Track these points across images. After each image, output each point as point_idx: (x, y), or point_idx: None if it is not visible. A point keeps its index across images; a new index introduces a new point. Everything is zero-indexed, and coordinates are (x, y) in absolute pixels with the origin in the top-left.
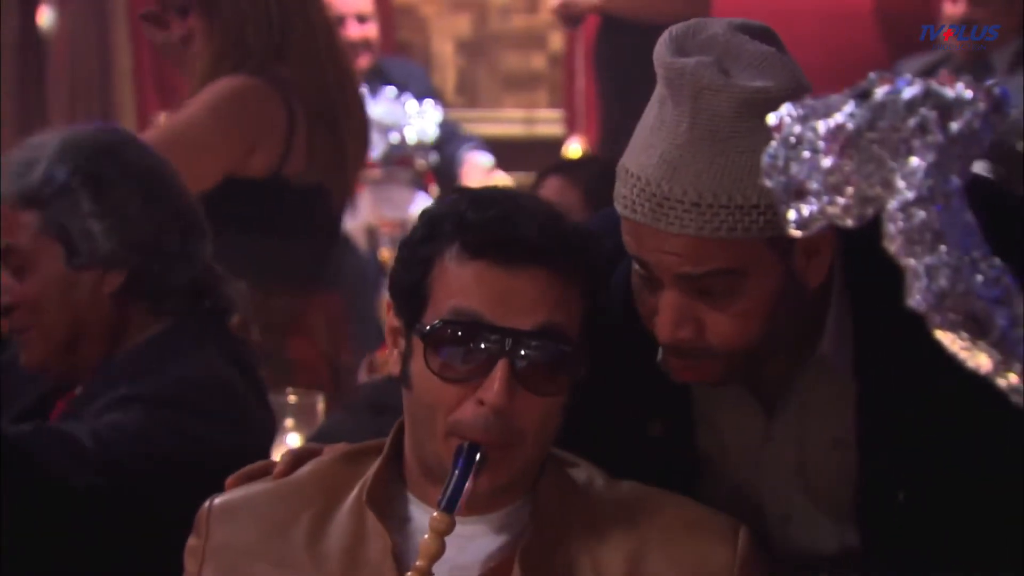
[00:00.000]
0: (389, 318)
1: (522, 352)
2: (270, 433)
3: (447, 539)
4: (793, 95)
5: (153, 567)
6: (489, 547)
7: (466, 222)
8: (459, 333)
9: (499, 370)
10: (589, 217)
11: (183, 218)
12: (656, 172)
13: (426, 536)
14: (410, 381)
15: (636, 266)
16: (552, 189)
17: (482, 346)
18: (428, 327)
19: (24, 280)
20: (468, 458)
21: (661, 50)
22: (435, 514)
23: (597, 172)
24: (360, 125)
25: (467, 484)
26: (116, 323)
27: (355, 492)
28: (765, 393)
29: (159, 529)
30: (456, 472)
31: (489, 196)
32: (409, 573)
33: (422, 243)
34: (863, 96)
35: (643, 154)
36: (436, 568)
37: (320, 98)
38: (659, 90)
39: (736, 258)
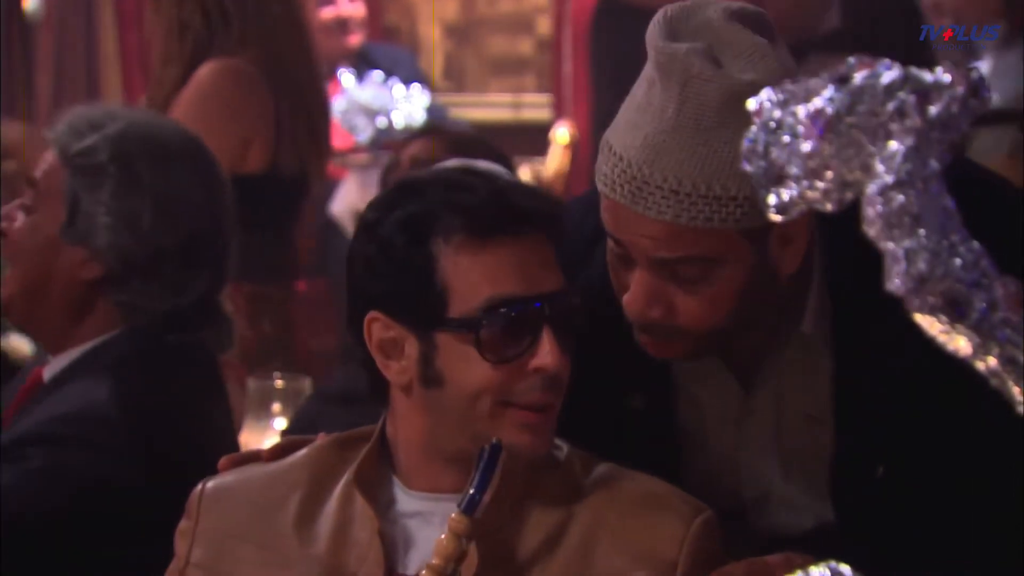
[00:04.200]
0: (377, 330)
1: (557, 313)
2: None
3: (424, 518)
4: None
5: None
6: None
7: (466, 210)
8: (506, 315)
9: (547, 335)
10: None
11: (192, 253)
12: (639, 155)
13: (443, 536)
14: (441, 378)
15: (611, 243)
16: (419, 149)
17: (527, 319)
18: (477, 318)
19: (27, 217)
20: (492, 458)
21: (653, 32)
22: (453, 515)
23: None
24: (324, 107)
25: (490, 485)
26: (80, 307)
27: (346, 476)
28: (744, 368)
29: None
30: (478, 473)
31: (466, 178)
32: (424, 572)
33: (413, 246)
34: (842, 80)
35: (627, 134)
36: (408, 544)
37: (289, 83)
38: (648, 71)
39: (710, 247)
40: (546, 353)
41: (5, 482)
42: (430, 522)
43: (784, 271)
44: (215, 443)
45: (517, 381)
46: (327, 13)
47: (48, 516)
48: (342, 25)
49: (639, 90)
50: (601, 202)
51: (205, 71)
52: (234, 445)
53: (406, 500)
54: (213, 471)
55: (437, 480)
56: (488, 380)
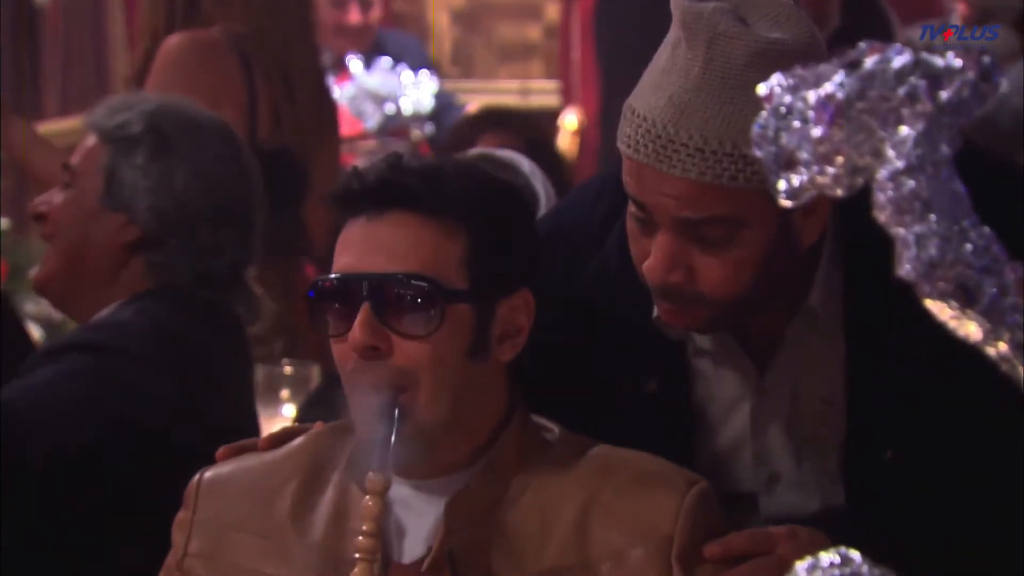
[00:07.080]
0: None
1: (384, 294)
2: (234, 404)
3: (411, 505)
4: (807, 49)
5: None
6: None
7: (334, 190)
8: (327, 291)
9: (360, 313)
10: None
11: (225, 218)
12: (663, 114)
13: (367, 498)
14: None
15: (632, 208)
16: (491, 144)
17: (349, 296)
18: (310, 293)
19: (64, 195)
20: (386, 415)
21: None
22: (369, 475)
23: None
24: (318, 87)
25: (391, 441)
26: (115, 272)
27: (342, 464)
28: (757, 348)
29: (112, 490)
30: (379, 431)
31: (399, 160)
32: (360, 537)
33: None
34: (853, 65)
35: (651, 95)
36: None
37: (272, 56)
38: (673, 32)
39: (735, 207)
40: (354, 329)
41: (43, 377)
42: (419, 510)
43: (805, 240)
44: (236, 407)
45: (347, 361)
46: (330, 18)
47: (85, 423)
48: (352, 34)
49: (662, 54)
50: (623, 165)
51: (169, 43)
52: (253, 416)
53: (396, 488)
54: (233, 434)
55: (416, 467)
56: (337, 356)
